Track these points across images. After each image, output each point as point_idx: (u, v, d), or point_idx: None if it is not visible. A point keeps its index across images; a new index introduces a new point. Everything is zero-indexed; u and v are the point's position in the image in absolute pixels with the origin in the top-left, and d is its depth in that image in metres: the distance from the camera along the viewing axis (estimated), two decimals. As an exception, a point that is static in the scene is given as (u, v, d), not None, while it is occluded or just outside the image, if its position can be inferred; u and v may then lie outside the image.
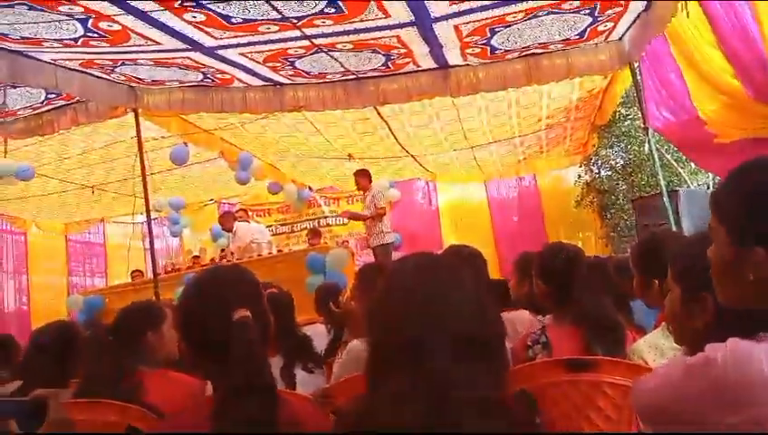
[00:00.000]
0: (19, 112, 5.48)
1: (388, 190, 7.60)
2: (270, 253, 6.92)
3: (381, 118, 6.65)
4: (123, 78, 5.04)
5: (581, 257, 2.12)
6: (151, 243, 5.80)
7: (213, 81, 5.21)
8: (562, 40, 4.84)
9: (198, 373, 1.48)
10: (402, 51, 4.70)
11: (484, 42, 4.66)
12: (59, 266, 10.72)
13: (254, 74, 5.07)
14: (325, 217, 10.85)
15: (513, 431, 0.94)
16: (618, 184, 8.59)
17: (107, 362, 2.17)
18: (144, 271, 9.20)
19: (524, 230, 9.75)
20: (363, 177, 7.34)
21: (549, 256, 2.13)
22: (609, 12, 4.36)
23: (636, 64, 5.34)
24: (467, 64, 5.15)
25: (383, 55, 4.78)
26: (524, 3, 4.00)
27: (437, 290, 1.04)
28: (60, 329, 2.63)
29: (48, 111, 5.53)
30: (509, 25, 4.37)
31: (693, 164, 7.37)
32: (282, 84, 5.39)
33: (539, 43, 4.87)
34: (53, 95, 5.21)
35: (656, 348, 1.64)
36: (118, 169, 7.80)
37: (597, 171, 9.14)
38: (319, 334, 3.34)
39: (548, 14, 4.25)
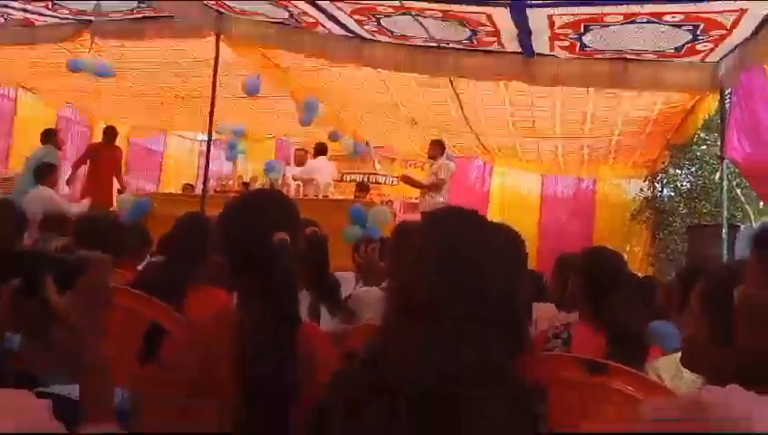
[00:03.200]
0: (110, 15, 5.67)
1: (452, 164, 7.65)
2: (315, 196, 7.02)
3: (453, 90, 6.60)
4: (214, 2, 5.15)
5: (623, 265, 2.12)
6: (207, 161, 6.02)
7: (298, 21, 5.26)
8: (657, 51, 4.69)
9: (230, 287, 1.55)
10: (490, 29, 4.64)
11: (576, 36, 4.56)
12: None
13: (339, 23, 5.10)
14: (375, 175, 10.90)
15: (513, 403, 0.97)
16: (678, 207, 8.35)
17: (164, 269, 2.30)
18: (195, 186, 9.50)
19: (572, 232, 9.60)
20: (438, 146, 7.51)
21: (591, 257, 2.15)
22: (713, 33, 4.20)
23: (727, 90, 5.13)
24: (553, 55, 5.05)
25: (470, 30, 4.74)
26: (625, 6, 3.88)
27: (465, 249, 1.05)
28: (104, 215, 2.80)
29: (137, 18, 5.70)
30: (605, 26, 4.26)
31: (762, 203, 7.09)
32: (363, 38, 5.40)
33: (631, 49, 4.73)
34: (144, 5, 5.37)
35: (676, 368, 1.64)
36: (190, 85, 8.01)
37: (660, 190, 8.89)
38: (347, 280, 3.45)
39: (648, 21, 4.12)
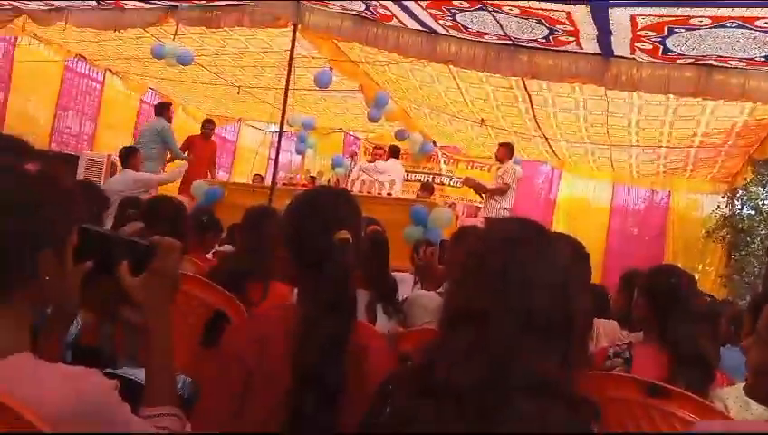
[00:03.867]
0: (194, 2, 5.89)
1: (518, 168, 7.52)
2: (380, 193, 7.04)
3: (526, 91, 6.47)
4: (294, -8, 5.26)
5: (693, 285, 2.03)
6: (277, 153, 6.15)
7: (373, 14, 5.29)
8: (746, 58, 4.43)
9: (293, 281, 1.58)
10: (568, 28, 4.52)
11: (659, 39, 4.38)
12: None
13: (414, 17, 5.09)
14: (440, 175, 10.87)
15: (566, 418, 0.95)
16: (758, 227, 7.91)
17: (233, 260, 2.37)
18: (264, 177, 9.74)
19: (641, 246, 9.26)
20: (506, 149, 7.37)
21: (658, 275, 2.06)
22: (811, 40, 3.94)
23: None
24: (633, 58, 4.87)
25: (547, 28, 4.63)
26: (714, 9, 3.69)
27: (520, 258, 1.04)
28: (175, 203, 2.89)
29: (219, 6, 5.90)
30: (691, 29, 4.06)
31: None
32: (437, 33, 5.37)
33: (717, 56, 4.50)
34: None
35: (743, 400, 1.56)
36: (265, 76, 8.20)
37: (739, 207, 8.44)
38: (405, 282, 3.46)
39: (738, 26, 3.91)
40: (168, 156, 7.78)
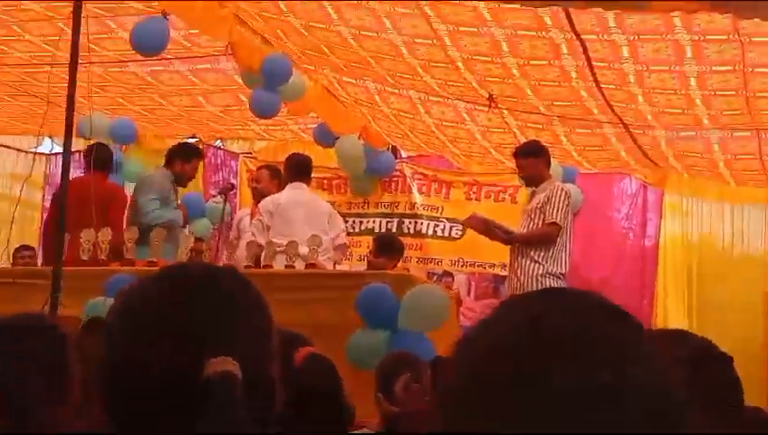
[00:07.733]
0: None
1: (574, 190, 7.59)
2: (291, 265, 6.97)
3: (574, 34, 6.57)
4: None
5: None
6: (63, 197, 6.05)
7: None
8: None
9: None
10: None
11: None
12: None
13: None
14: (415, 217, 10.99)
15: None
16: None
17: None
18: (37, 250, 9.59)
19: None
20: (539, 155, 7.42)
21: None
22: None
23: None
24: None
25: None
26: None
27: (575, 372, 0.95)
28: None
29: None
30: None
31: None
32: None
33: None
34: None
35: None
36: (28, 42, 8.18)
37: None
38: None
39: None
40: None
